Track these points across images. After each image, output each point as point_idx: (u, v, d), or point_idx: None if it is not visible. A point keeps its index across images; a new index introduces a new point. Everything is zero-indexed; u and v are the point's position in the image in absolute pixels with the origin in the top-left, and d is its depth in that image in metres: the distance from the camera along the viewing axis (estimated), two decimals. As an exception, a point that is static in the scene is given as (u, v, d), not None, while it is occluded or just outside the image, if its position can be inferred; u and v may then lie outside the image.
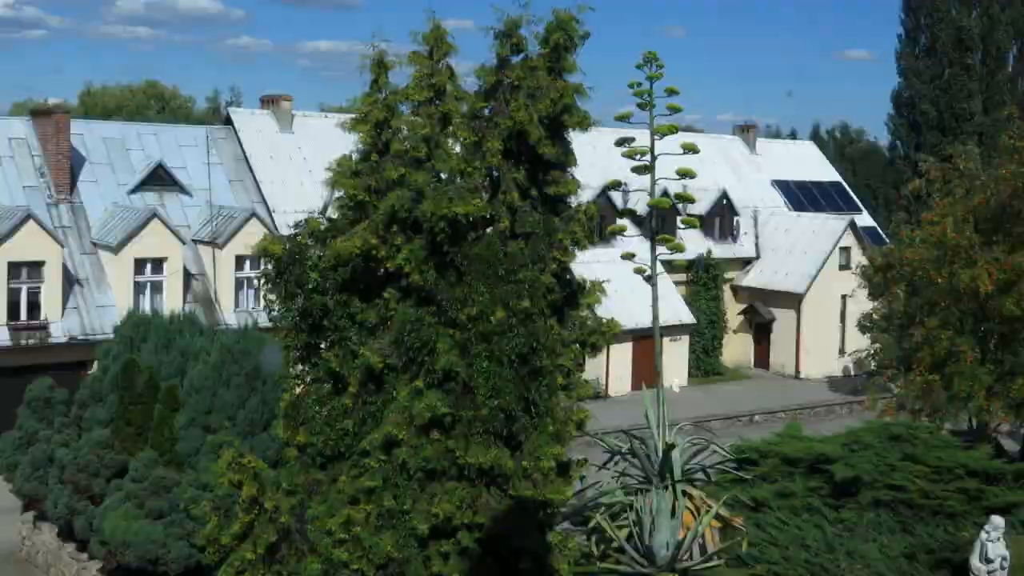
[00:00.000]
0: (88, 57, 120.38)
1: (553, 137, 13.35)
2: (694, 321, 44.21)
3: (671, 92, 17.70)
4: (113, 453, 20.52)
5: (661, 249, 17.99)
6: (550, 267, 13.52)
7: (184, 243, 33.99)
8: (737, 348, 48.39)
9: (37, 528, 22.70)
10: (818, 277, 47.23)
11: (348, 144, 14.54)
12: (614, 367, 41.24)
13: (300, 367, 14.58)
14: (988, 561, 16.39)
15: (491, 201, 13.52)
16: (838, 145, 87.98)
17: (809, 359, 47.09)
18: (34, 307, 31.39)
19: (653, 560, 16.24)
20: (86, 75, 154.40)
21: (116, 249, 32.74)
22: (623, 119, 17.96)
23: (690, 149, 18.22)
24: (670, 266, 41.20)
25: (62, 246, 32.18)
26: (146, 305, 32.08)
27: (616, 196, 42.29)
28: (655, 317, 17.78)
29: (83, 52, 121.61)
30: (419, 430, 12.79)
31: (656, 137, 17.64)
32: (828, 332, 47.54)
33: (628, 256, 18.58)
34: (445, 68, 13.97)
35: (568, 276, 14.32)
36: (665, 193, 35.69)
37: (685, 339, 44.19)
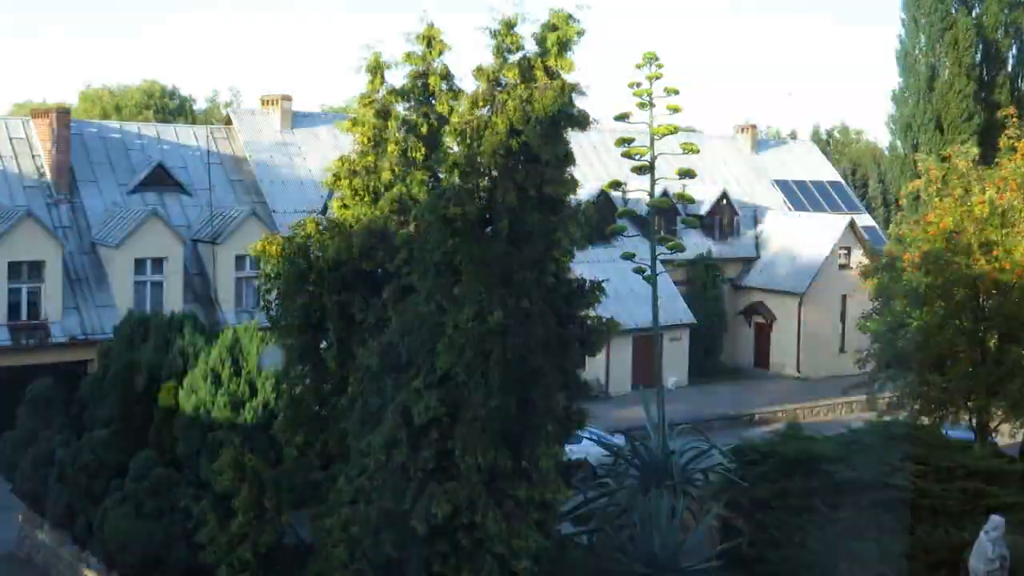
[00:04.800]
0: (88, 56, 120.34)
1: (551, 137, 13.35)
2: (694, 321, 44.19)
3: (670, 92, 17.71)
4: (113, 453, 20.50)
5: (661, 249, 17.99)
6: (549, 267, 13.52)
7: (184, 243, 33.98)
8: (737, 347, 48.37)
9: (37, 528, 22.70)
10: (818, 277, 47.20)
11: (347, 144, 14.56)
12: (614, 366, 41.21)
13: (300, 367, 14.59)
14: (988, 561, 16.39)
15: (489, 201, 13.53)
16: (838, 145, 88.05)
17: (809, 359, 47.05)
18: (34, 307, 31.37)
19: (653, 561, 16.24)
20: (85, 74, 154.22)
21: (116, 249, 32.72)
22: (623, 119, 17.96)
23: (690, 149, 18.24)
24: (670, 266, 41.19)
25: (62, 246, 32.16)
26: (146, 305, 32.05)
27: (616, 196, 42.27)
28: (655, 317, 17.79)
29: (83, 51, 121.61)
30: (418, 431, 12.79)
31: (656, 137, 17.64)
32: (828, 332, 47.51)
33: (628, 256, 18.60)
34: (440, 67, 13.99)
35: (567, 276, 14.33)
36: (665, 193, 35.70)
37: (685, 339, 44.16)
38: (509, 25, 13.52)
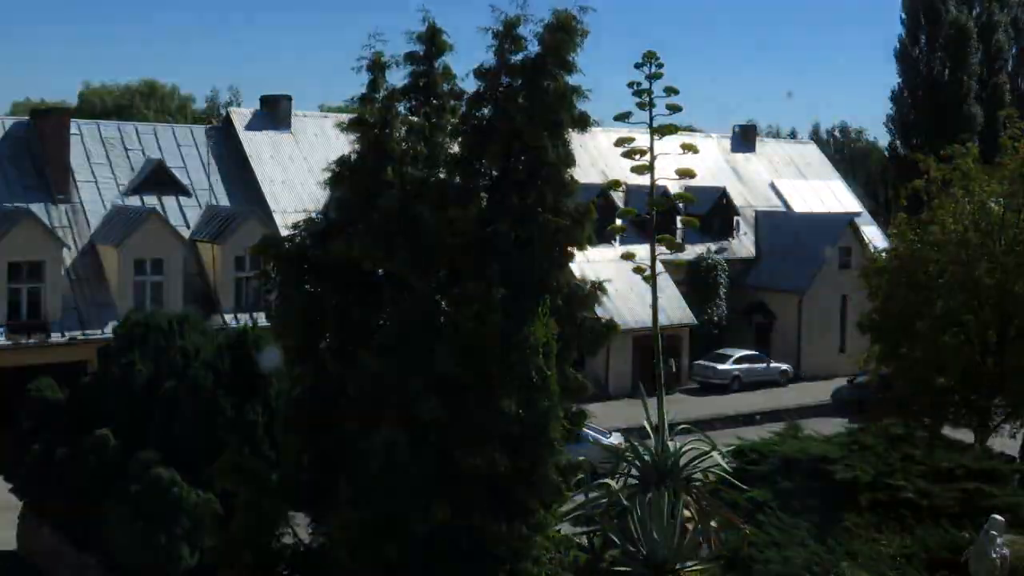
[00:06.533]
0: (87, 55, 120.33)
1: (553, 138, 13.35)
2: (694, 321, 44.19)
3: (671, 91, 17.65)
4: (113, 453, 20.48)
5: (661, 249, 17.96)
6: (552, 269, 13.53)
7: (184, 243, 33.96)
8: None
9: (37, 529, 22.67)
10: (818, 277, 47.20)
11: (347, 144, 14.54)
12: (614, 366, 41.20)
13: (299, 368, 14.58)
14: (988, 561, 16.38)
15: (490, 202, 13.53)
16: (838, 145, 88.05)
17: (810, 359, 47.04)
18: (34, 307, 31.36)
19: (653, 561, 16.23)
20: (84, 73, 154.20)
21: (116, 248, 32.71)
22: (622, 119, 17.90)
23: (689, 149, 18.19)
24: (670, 266, 41.17)
25: (62, 246, 32.14)
26: (146, 305, 32.02)
27: (616, 196, 42.24)
28: (655, 317, 17.76)
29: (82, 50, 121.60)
30: (418, 432, 12.78)
31: (655, 137, 17.58)
32: (828, 332, 47.51)
33: (628, 256, 18.57)
34: (442, 68, 13.97)
35: (568, 276, 14.32)
36: (665, 193, 35.63)
37: (685, 339, 44.18)
38: (511, 25, 13.51)
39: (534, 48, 13.53)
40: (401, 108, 14.08)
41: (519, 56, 13.56)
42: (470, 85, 14.09)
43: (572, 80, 13.55)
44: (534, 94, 13.27)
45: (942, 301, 26.79)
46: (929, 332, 26.77)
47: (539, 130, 13.12)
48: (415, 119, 13.99)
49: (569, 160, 13.71)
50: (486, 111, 13.64)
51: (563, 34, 13.32)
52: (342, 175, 14.00)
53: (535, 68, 13.38)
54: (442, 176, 13.79)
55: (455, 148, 14.04)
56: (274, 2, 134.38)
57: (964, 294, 26.27)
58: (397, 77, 14.21)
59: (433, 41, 13.81)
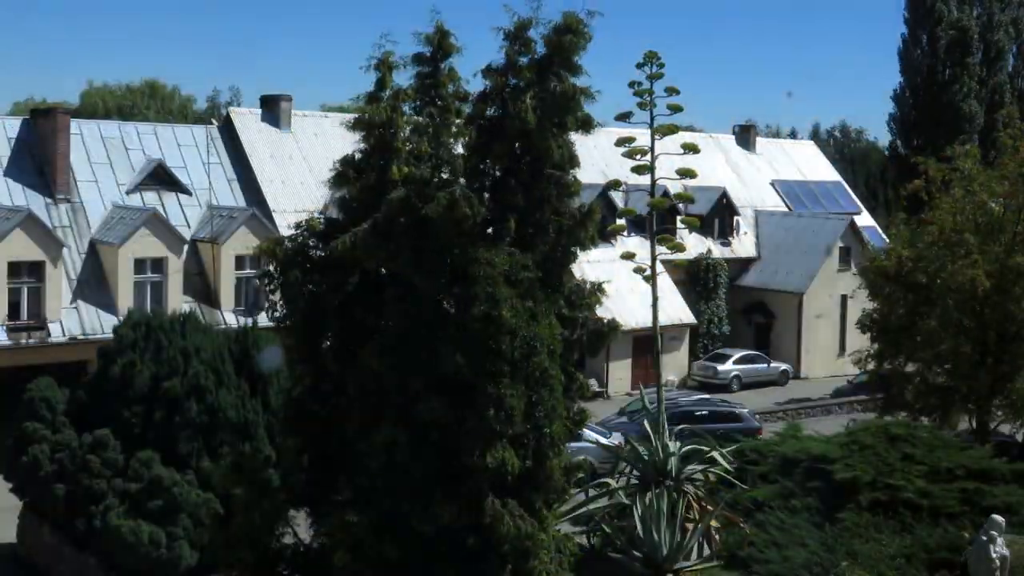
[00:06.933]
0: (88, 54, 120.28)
1: (558, 139, 13.38)
2: (694, 321, 44.19)
3: (671, 91, 17.70)
4: (113, 453, 20.48)
5: (661, 249, 17.99)
6: (555, 268, 13.54)
7: (184, 242, 33.94)
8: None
9: (38, 528, 22.67)
10: (818, 277, 47.19)
11: (348, 144, 14.55)
12: (614, 366, 41.20)
13: (300, 367, 14.59)
14: (988, 561, 16.39)
15: (494, 202, 13.54)
16: (838, 145, 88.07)
17: (809, 359, 47.03)
18: (34, 307, 31.35)
19: (653, 559, 16.26)
20: (86, 74, 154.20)
21: (116, 249, 32.69)
22: (623, 119, 17.95)
23: (690, 149, 18.24)
24: (670, 266, 41.19)
25: (62, 246, 32.13)
26: (146, 305, 32.01)
27: (616, 196, 42.24)
28: (655, 317, 17.80)
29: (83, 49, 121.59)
30: (418, 432, 12.78)
31: (656, 137, 17.62)
32: (828, 332, 47.51)
33: (628, 256, 18.60)
34: (447, 70, 13.98)
35: (570, 276, 14.33)
36: (665, 193, 35.70)
37: (685, 339, 44.17)
38: (523, 27, 13.54)
39: (541, 50, 13.56)
40: (406, 108, 14.09)
41: (527, 58, 13.59)
42: (476, 85, 14.12)
43: (578, 82, 13.58)
44: (541, 95, 13.29)
45: (941, 301, 26.81)
46: (929, 332, 26.79)
47: (546, 130, 13.14)
48: (420, 119, 14.00)
49: (573, 161, 13.75)
50: (492, 111, 13.66)
51: (570, 36, 13.34)
52: (346, 174, 14.00)
53: (542, 69, 13.41)
54: (447, 176, 13.80)
55: (459, 148, 14.06)
56: (274, 2, 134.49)
57: (963, 295, 26.28)
58: (403, 78, 14.23)
59: (441, 43, 13.81)
